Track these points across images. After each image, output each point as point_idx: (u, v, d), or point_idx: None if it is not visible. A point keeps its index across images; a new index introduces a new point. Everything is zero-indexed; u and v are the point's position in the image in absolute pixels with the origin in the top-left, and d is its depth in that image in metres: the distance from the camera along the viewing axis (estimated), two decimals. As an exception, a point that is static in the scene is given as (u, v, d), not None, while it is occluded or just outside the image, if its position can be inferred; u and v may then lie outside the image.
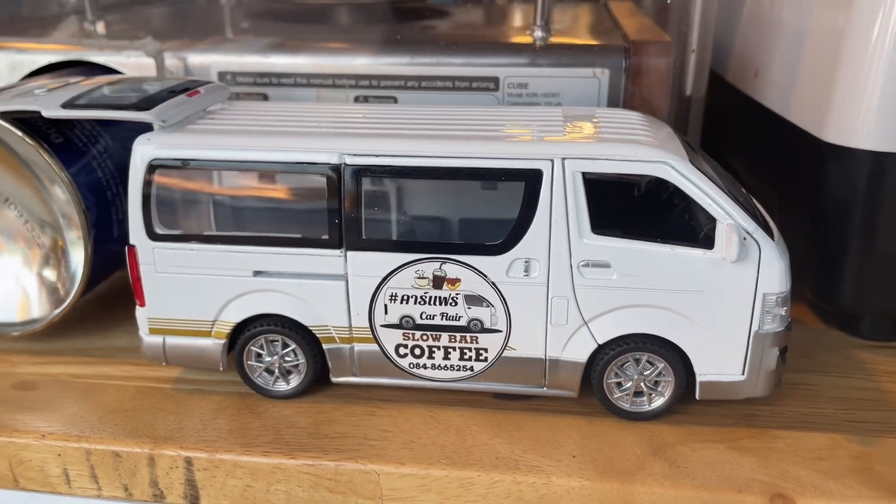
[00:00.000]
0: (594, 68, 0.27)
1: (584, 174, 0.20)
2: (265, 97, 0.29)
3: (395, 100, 0.28)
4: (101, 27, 0.31)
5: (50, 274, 0.25)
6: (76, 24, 0.32)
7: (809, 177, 0.25)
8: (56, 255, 0.25)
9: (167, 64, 0.29)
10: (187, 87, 0.24)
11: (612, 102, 0.28)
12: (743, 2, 0.34)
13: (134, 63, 0.29)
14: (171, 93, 0.23)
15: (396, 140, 0.21)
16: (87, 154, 0.25)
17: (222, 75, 0.29)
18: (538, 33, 0.29)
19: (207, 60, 0.29)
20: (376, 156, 0.21)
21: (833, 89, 0.24)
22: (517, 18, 0.36)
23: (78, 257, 0.24)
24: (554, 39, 0.29)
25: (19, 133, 0.23)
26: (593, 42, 0.28)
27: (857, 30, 0.23)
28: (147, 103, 0.22)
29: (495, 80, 0.28)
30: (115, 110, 0.21)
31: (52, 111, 0.21)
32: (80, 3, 0.33)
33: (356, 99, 0.29)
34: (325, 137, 0.21)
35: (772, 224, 0.22)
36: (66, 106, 0.21)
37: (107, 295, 0.28)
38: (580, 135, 0.21)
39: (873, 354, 0.26)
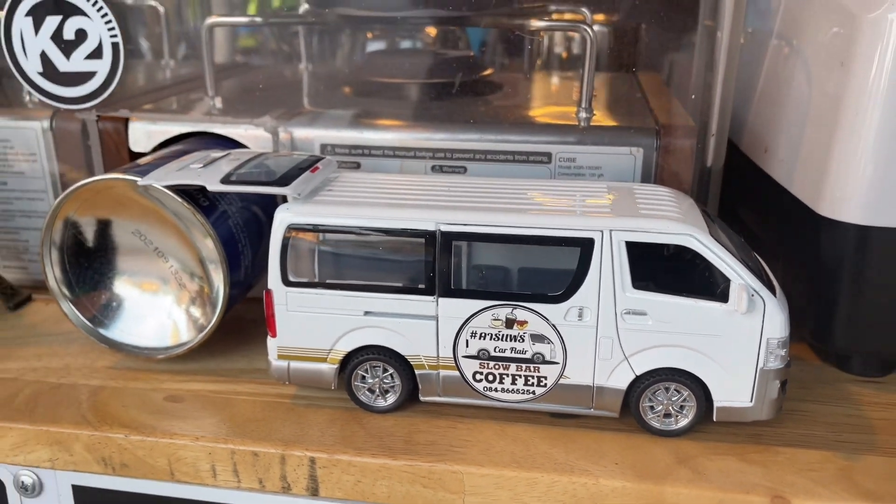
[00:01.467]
0: (630, 147, 0.33)
1: (626, 242, 0.26)
2: (358, 165, 0.35)
3: (465, 169, 0.35)
4: (218, 101, 0.38)
5: (195, 311, 0.31)
6: (199, 98, 0.38)
7: (807, 241, 0.31)
8: (201, 297, 0.31)
9: (278, 130, 0.35)
10: (310, 163, 0.30)
11: (646, 174, 0.34)
12: (757, 81, 0.40)
13: (251, 135, 0.36)
14: (300, 169, 0.29)
15: (478, 213, 0.27)
16: (226, 213, 0.31)
17: (324, 147, 0.35)
18: (583, 114, 0.36)
19: (312, 134, 0.35)
20: (463, 225, 0.27)
21: (826, 170, 0.30)
22: (563, 93, 0.42)
23: (217, 297, 0.30)
24: (596, 121, 0.35)
25: (180, 200, 0.29)
26: (629, 125, 0.34)
27: (846, 117, 0.29)
28: (285, 180, 0.28)
29: (548, 154, 0.34)
30: (262, 185, 0.28)
31: (214, 186, 0.28)
32: (189, 74, 0.40)
33: (433, 168, 0.35)
34: (423, 209, 0.27)
35: (774, 282, 0.27)
36: (224, 181, 0.28)
37: (227, 326, 0.34)
38: (623, 210, 0.27)
39: (861, 388, 0.31)
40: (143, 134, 0.36)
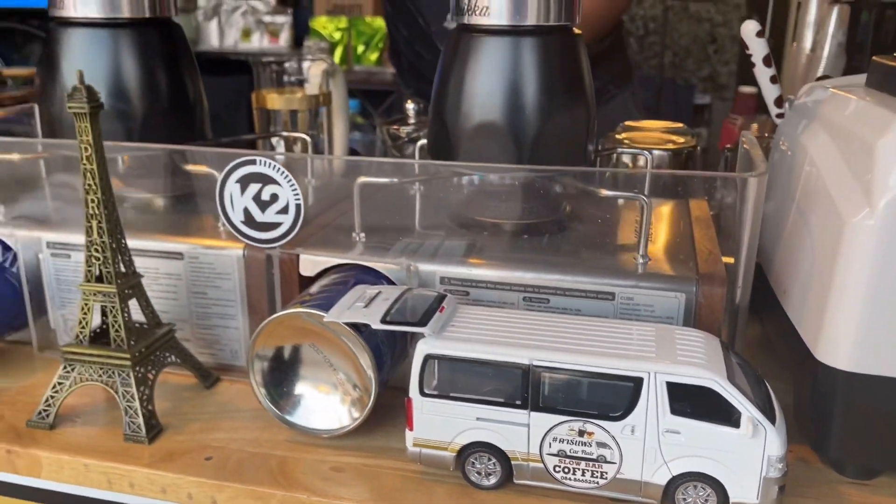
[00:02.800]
0: (676, 292, 0.44)
1: (667, 382, 0.37)
2: (467, 293, 0.47)
3: (548, 301, 0.46)
4: (362, 237, 0.50)
5: (353, 408, 0.43)
6: (347, 236, 0.51)
7: (808, 372, 0.41)
8: (362, 400, 0.43)
9: (408, 267, 0.48)
10: (438, 302, 0.42)
11: (688, 310, 0.44)
12: (783, 228, 0.50)
13: (389, 267, 0.48)
14: (432, 310, 0.41)
15: (560, 353, 0.38)
16: (376, 333, 0.43)
17: (442, 278, 0.47)
18: (640, 260, 0.46)
19: (433, 269, 0.47)
20: (549, 361, 0.38)
21: (822, 323, 0.40)
22: (627, 226, 0.53)
23: (369, 394, 0.43)
24: (651, 266, 0.46)
25: (352, 333, 0.41)
26: (675, 274, 0.45)
27: (836, 288, 0.39)
28: (424, 320, 0.40)
29: (612, 294, 0.45)
30: (409, 326, 0.40)
31: (377, 325, 0.40)
32: (342, 220, 0.52)
33: (524, 299, 0.46)
34: (519, 347, 0.39)
35: (777, 409, 0.37)
36: (383, 321, 0.40)
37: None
38: (665, 355, 0.38)
39: (853, 489, 0.41)
40: (310, 263, 0.49)
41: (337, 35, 4.14)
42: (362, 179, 0.49)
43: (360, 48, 4.14)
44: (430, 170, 0.54)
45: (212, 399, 0.50)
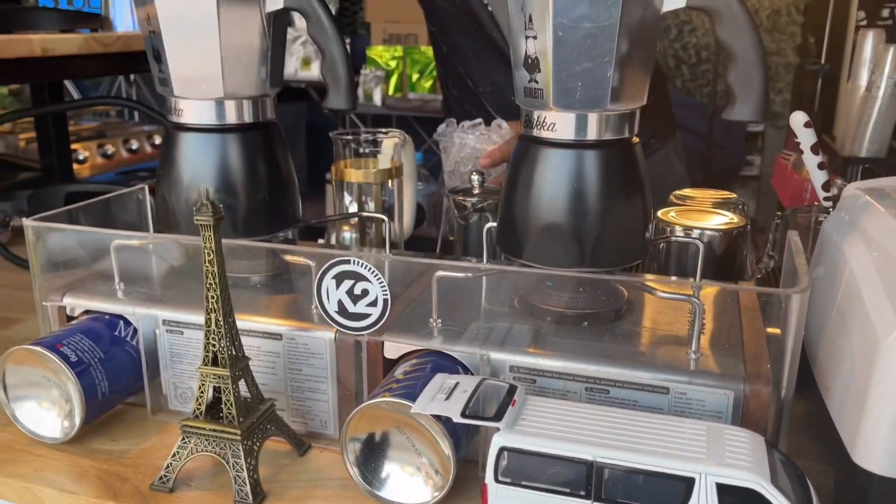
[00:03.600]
0: (725, 390, 0.49)
1: (716, 483, 0.42)
2: (534, 381, 0.53)
3: (608, 391, 0.51)
4: (439, 322, 0.56)
5: (434, 486, 0.49)
6: (425, 320, 0.57)
7: (847, 470, 0.45)
8: (442, 479, 0.49)
9: (481, 356, 0.53)
10: (510, 395, 0.47)
11: (736, 405, 0.49)
12: (826, 324, 0.54)
13: (465, 356, 0.54)
14: (505, 403, 0.47)
15: (620, 451, 0.43)
16: (450, 419, 0.49)
17: (512, 367, 0.53)
18: (692, 356, 0.51)
19: (503, 358, 0.53)
20: (611, 458, 0.43)
21: (859, 427, 0.44)
22: (678, 320, 0.58)
23: (448, 475, 0.48)
24: (702, 364, 0.51)
25: (436, 423, 0.47)
26: (725, 372, 0.50)
27: (873, 389, 0.43)
28: (499, 414, 0.46)
29: (667, 388, 0.50)
30: (486, 421, 0.45)
31: (458, 419, 0.46)
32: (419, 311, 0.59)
33: (586, 389, 0.51)
34: (584, 444, 0.44)
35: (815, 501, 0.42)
36: (462, 415, 0.46)
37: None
38: (715, 456, 0.43)
39: (888, 578, 0.45)
40: (394, 348, 0.55)
41: (392, 63, 4.27)
42: (440, 273, 0.55)
43: (415, 76, 4.26)
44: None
45: (305, 466, 0.56)
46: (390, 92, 4.15)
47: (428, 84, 4.21)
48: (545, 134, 0.55)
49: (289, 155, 0.66)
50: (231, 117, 0.61)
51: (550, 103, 0.54)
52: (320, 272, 0.54)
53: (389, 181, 0.86)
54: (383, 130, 0.90)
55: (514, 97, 0.57)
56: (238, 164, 0.62)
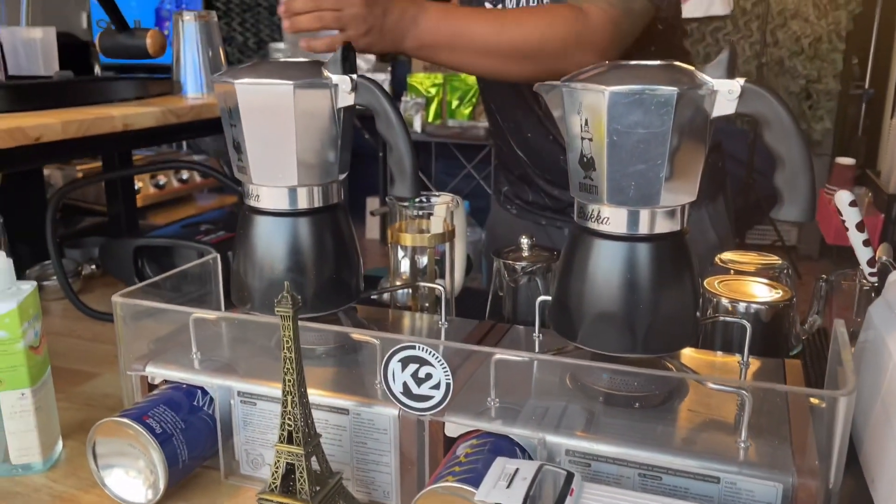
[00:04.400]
0: (774, 482, 0.51)
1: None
2: (589, 465, 0.55)
3: (660, 478, 0.54)
4: (497, 402, 0.60)
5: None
6: (483, 398, 0.60)
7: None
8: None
9: (538, 439, 0.56)
10: (568, 485, 0.50)
11: (785, 496, 0.51)
12: (870, 414, 0.56)
13: (521, 438, 0.57)
14: (563, 494, 0.50)
15: (675, 544, 0.46)
16: (515, 507, 0.52)
17: (568, 451, 0.56)
18: (742, 445, 0.54)
19: (560, 442, 0.56)
20: (665, 550, 0.46)
21: (907, 528, 0.46)
22: (727, 406, 0.60)
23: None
24: (751, 454, 0.53)
25: (495, 505, 0.51)
26: (774, 463, 0.52)
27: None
28: (559, 502, 0.49)
29: (717, 478, 0.52)
30: (546, 510, 0.48)
31: (519, 508, 0.49)
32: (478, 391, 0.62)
33: (639, 475, 0.54)
34: (640, 535, 0.47)
35: None
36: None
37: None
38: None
39: None
40: (454, 427, 0.59)
41: (432, 90, 4.35)
42: (498, 356, 0.59)
43: (455, 103, 4.32)
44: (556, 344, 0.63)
45: (370, 536, 0.60)
46: (430, 119, 4.22)
47: (467, 111, 4.26)
48: (599, 227, 0.58)
49: (353, 232, 0.71)
50: (303, 203, 0.66)
51: (604, 200, 0.57)
52: (387, 356, 0.58)
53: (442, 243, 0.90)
54: (436, 193, 0.94)
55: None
56: (308, 245, 0.66)
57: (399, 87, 4.34)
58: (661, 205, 0.57)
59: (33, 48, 1.09)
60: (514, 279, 0.89)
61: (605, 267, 0.58)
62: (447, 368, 0.57)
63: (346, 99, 0.64)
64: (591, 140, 0.57)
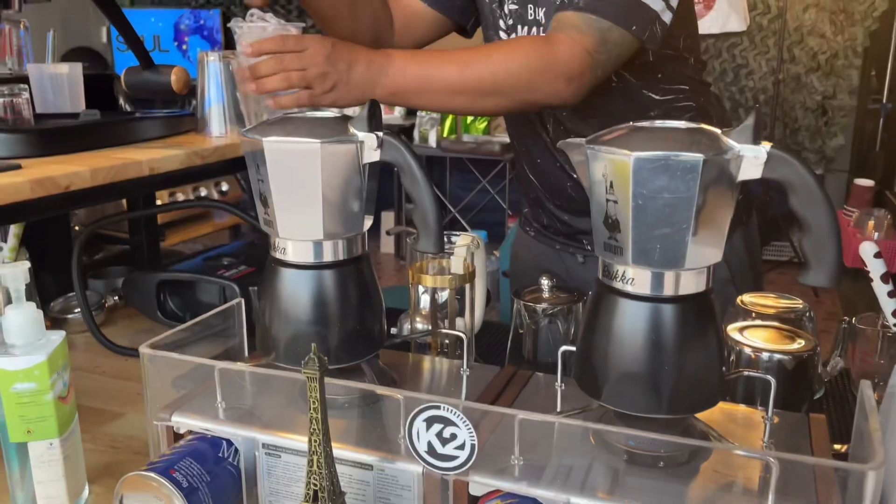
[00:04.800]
0: (800, 551, 0.51)
1: None
2: (613, 527, 0.55)
3: (685, 543, 0.54)
4: (521, 460, 0.60)
5: None
6: (507, 457, 0.61)
7: None
8: None
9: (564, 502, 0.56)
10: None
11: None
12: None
13: (548, 500, 0.57)
14: (589, 562, 0.50)
15: None
16: (540, 573, 0.52)
17: (592, 513, 0.56)
18: (768, 511, 0.54)
19: (585, 503, 0.56)
20: None
21: None
22: (749, 468, 0.60)
23: None
24: (777, 519, 0.53)
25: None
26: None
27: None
28: (584, 575, 0.49)
29: (743, 545, 0.52)
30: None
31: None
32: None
33: (664, 540, 0.54)
34: None
35: None
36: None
37: None
38: None
39: None
40: (480, 486, 0.59)
41: (447, 105, 4.35)
42: (522, 417, 0.59)
43: (470, 118, 4.33)
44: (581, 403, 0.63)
45: (394, 593, 0.60)
46: (445, 134, 4.23)
47: (482, 125, 4.27)
48: (624, 287, 0.59)
49: (377, 283, 0.71)
50: (328, 256, 0.67)
51: (629, 261, 0.57)
52: (411, 416, 0.58)
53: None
54: (456, 234, 0.94)
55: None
56: (333, 298, 0.67)
57: (414, 101, 4.34)
58: (686, 267, 0.57)
59: (60, 83, 1.10)
60: (535, 320, 0.89)
61: (630, 327, 0.59)
62: (472, 429, 0.57)
63: (372, 155, 0.64)
64: (615, 202, 0.57)
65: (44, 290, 1.15)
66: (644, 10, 0.90)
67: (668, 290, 0.58)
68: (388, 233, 3.83)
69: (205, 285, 1.06)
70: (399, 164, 0.64)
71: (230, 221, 3.12)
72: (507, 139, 4.04)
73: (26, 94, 0.89)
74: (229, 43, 4.60)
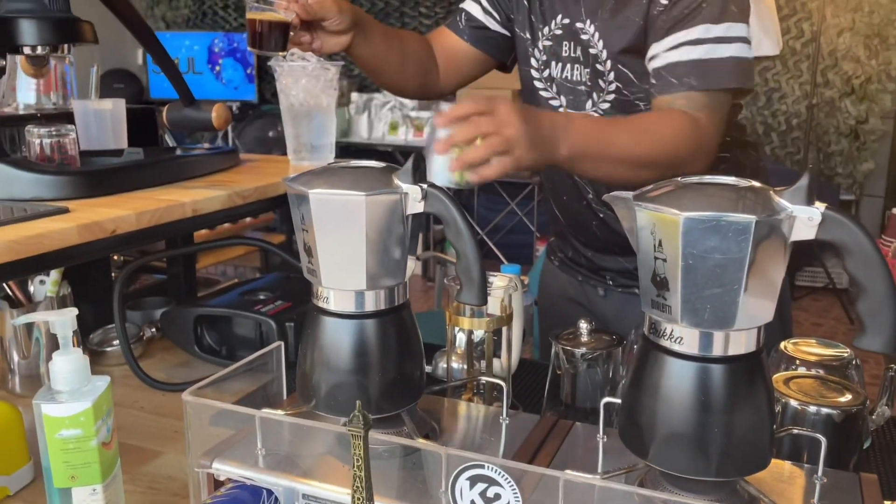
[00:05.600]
0: None
1: None
2: None
3: None
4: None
5: None
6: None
7: None
8: None
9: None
10: None
11: None
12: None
13: (591, 561, 0.56)
14: None
15: None
16: None
17: (639, 578, 0.55)
18: (822, 583, 0.52)
19: (631, 568, 0.55)
20: None
21: None
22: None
23: None
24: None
25: None
26: None
27: None
28: None
29: None
30: None
31: None
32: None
33: None
34: None
35: None
36: None
37: None
38: None
39: None
40: (521, 544, 0.58)
41: (475, 128, 4.37)
42: (567, 478, 0.58)
43: (497, 140, 4.33)
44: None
45: None
46: (473, 156, 4.23)
47: (510, 148, 4.25)
48: (671, 345, 0.58)
49: (418, 331, 0.71)
50: (370, 305, 0.67)
51: (678, 320, 0.56)
52: (455, 474, 0.58)
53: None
54: (494, 274, 0.94)
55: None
56: (374, 347, 0.67)
57: (443, 124, 4.36)
58: (737, 327, 0.56)
59: (104, 120, 1.12)
60: (574, 364, 0.88)
61: (678, 387, 0.58)
62: (517, 490, 0.56)
63: (416, 207, 0.64)
64: (664, 260, 0.56)
65: (82, 320, 1.17)
66: (743, 62, 0.93)
67: (717, 351, 0.57)
68: (417, 258, 3.83)
69: (242, 320, 1.07)
70: (443, 216, 0.64)
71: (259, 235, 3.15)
72: (535, 162, 4.05)
73: (73, 135, 0.91)
74: (261, 65, 4.68)
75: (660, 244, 0.56)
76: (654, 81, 0.96)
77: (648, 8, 0.95)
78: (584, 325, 0.90)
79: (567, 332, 0.91)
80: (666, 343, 0.58)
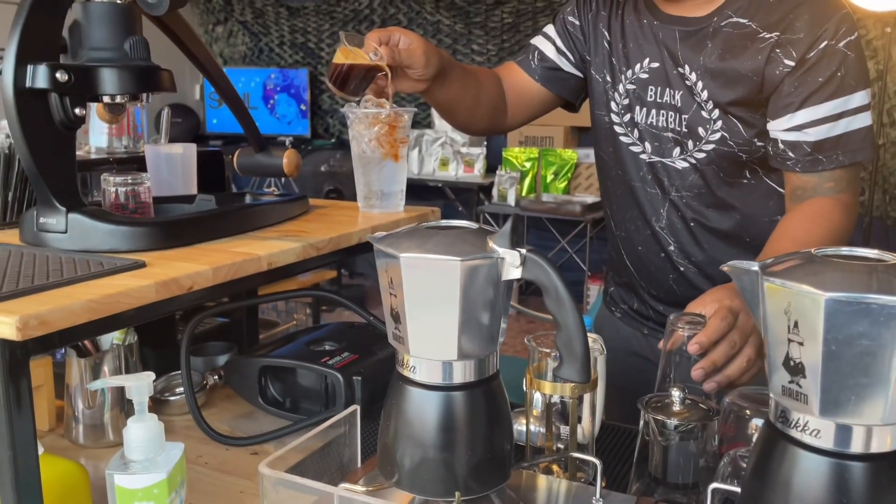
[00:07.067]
0: None
1: None
2: None
3: None
4: None
5: None
6: None
7: None
8: None
9: None
10: None
11: None
12: None
13: None
14: None
15: None
16: None
17: None
18: None
19: None
20: None
21: None
22: None
23: None
24: None
25: None
26: None
27: None
28: None
29: None
30: None
31: None
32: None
33: None
34: None
35: None
36: None
37: None
38: None
39: None
40: None
41: (527, 164, 4.33)
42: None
43: (549, 177, 4.29)
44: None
45: None
46: (524, 193, 4.19)
47: (562, 185, 4.21)
48: (804, 438, 0.52)
49: (508, 404, 0.66)
50: (458, 377, 0.62)
51: (815, 411, 0.50)
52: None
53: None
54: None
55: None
56: (462, 422, 0.62)
57: (494, 160, 4.35)
58: (884, 422, 0.49)
59: (174, 164, 1.12)
60: (665, 436, 0.82)
61: (810, 485, 0.51)
62: None
63: (513, 273, 0.60)
64: (801, 344, 0.50)
65: (145, 366, 1.15)
66: (867, 132, 0.91)
67: (856, 447, 0.50)
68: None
69: (307, 372, 1.03)
70: (542, 283, 0.59)
71: (314, 278, 3.14)
72: (587, 199, 3.99)
73: (147, 184, 0.90)
74: (315, 100, 4.75)
75: (795, 325, 0.50)
76: (790, 154, 0.92)
77: (767, 65, 0.90)
78: (676, 394, 0.84)
79: (654, 398, 0.85)
80: (797, 434, 0.52)
